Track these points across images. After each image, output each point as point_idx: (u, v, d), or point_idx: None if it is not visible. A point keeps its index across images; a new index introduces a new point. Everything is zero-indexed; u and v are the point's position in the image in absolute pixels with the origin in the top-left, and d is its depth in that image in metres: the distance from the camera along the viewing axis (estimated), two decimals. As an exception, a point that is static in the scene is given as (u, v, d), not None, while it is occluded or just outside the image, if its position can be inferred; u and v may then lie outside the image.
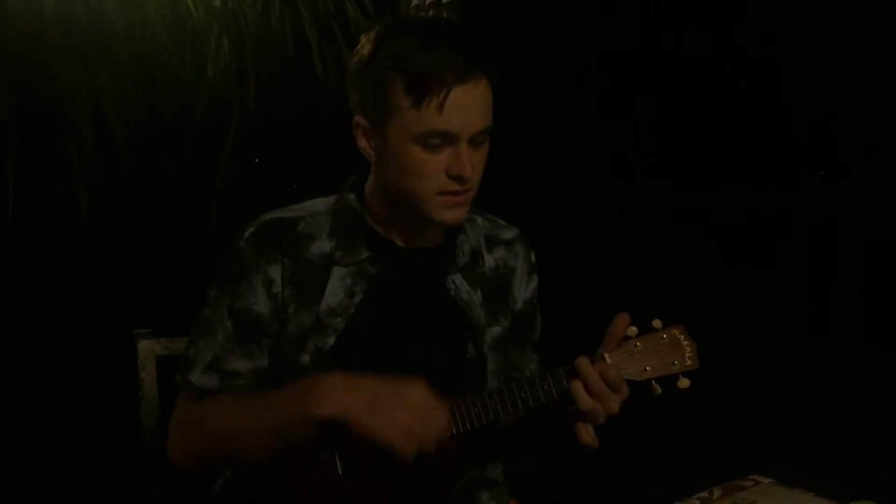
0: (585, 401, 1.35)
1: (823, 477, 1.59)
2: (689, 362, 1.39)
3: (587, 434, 1.38)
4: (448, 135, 1.35)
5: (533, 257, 1.64)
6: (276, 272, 1.43)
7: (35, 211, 2.66)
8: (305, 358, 1.44)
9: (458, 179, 1.37)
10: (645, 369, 1.38)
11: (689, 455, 3.13)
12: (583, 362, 1.36)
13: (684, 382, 1.39)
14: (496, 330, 1.56)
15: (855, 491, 1.48)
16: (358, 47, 1.41)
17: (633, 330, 1.39)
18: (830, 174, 4.15)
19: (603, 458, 3.00)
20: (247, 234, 1.46)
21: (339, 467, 1.40)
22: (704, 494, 1.49)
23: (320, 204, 1.51)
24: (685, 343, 1.40)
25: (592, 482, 3.05)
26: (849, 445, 3.14)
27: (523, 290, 1.62)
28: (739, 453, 2.77)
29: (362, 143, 1.43)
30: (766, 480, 1.55)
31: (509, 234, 1.62)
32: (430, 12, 2.98)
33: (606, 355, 1.37)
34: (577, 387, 1.35)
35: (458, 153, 1.36)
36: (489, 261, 1.57)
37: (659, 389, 1.39)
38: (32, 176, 2.64)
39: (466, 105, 1.34)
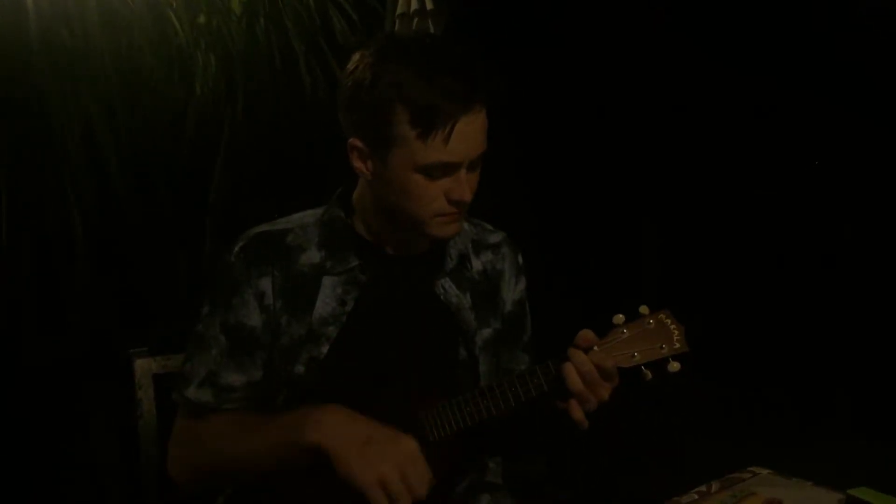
0: (576, 382, 1.35)
1: (823, 466, 1.59)
2: (678, 345, 1.39)
3: (578, 411, 1.37)
4: (451, 165, 1.36)
5: (520, 259, 1.65)
6: (267, 285, 1.44)
7: (29, 232, 2.66)
8: (300, 368, 1.44)
9: (458, 204, 1.39)
10: (633, 355, 1.38)
11: (687, 450, 3.13)
12: (577, 353, 1.37)
13: (674, 366, 1.38)
14: (487, 332, 1.57)
15: (854, 479, 1.48)
16: (351, 68, 1.40)
17: (620, 318, 1.39)
18: (827, 165, 4.17)
19: (600, 454, 3.00)
20: (236, 248, 1.47)
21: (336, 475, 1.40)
22: (703, 488, 1.49)
23: (308, 216, 1.52)
24: (672, 327, 1.40)
25: (590, 479, 3.04)
26: (847, 434, 3.14)
27: (511, 291, 1.63)
28: (737, 446, 2.76)
29: (357, 164, 1.43)
30: (765, 471, 1.55)
31: (495, 237, 1.64)
32: (415, 20, 2.99)
33: (595, 345, 1.38)
34: (569, 369, 1.36)
35: (459, 179, 1.38)
36: (477, 264, 1.59)
37: (649, 375, 1.38)
38: (25, 198, 2.65)
39: (469, 134, 1.35)
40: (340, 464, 1.28)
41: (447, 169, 1.37)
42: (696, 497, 1.46)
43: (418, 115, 1.33)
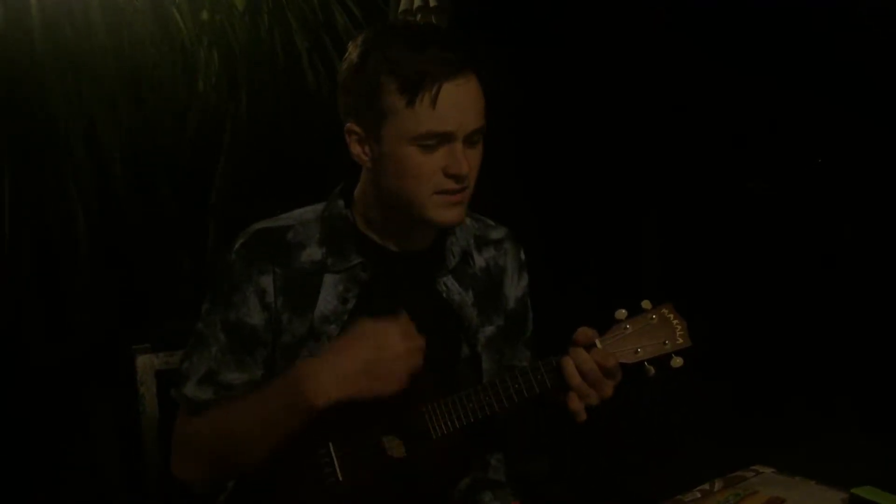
0: (574, 377, 1.35)
1: (826, 465, 1.58)
2: (681, 340, 1.38)
3: (575, 402, 1.36)
4: (443, 135, 1.35)
5: (522, 255, 1.64)
6: (267, 282, 1.44)
7: (31, 230, 2.66)
8: None
9: (455, 178, 1.37)
10: (636, 351, 1.37)
11: (690, 448, 3.12)
12: (579, 351, 1.36)
13: (678, 361, 1.37)
14: (489, 329, 1.56)
15: (858, 478, 1.47)
16: (346, 54, 1.42)
17: (623, 313, 1.39)
18: (828, 163, 4.16)
19: (603, 452, 3.00)
20: (237, 245, 1.46)
21: (338, 473, 1.40)
22: (706, 486, 1.49)
23: (309, 212, 1.51)
24: (675, 321, 1.39)
25: (592, 477, 3.04)
26: (851, 433, 3.14)
27: (514, 288, 1.62)
28: (740, 444, 2.76)
29: (356, 149, 1.43)
30: (768, 470, 1.55)
31: (498, 233, 1.63)
32: (418, 17, 2.98)
33: (598, 340, 1.37)
34: (567, 363, 1.36)
35: (454, 152, 1.36)
36: (479, 261, 1.58)
37: (652, 370, 1.38)
38: (28, 196, 2.65)
39: (459, 101, 1.35)
40: (363, 397, 1.32)
41: (441, 139, 1.36)
42: (699, 495, 1.46)
43: (404, 82, 1.33)
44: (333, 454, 1.40)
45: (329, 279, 1.45)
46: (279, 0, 3.05)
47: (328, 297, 1.45)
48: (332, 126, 1.52)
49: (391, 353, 1.32)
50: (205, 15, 2.92)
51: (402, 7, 3.04)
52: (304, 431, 1.36)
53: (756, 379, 3.62)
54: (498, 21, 3.63)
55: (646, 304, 1.40)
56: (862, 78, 3.75)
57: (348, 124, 1.42)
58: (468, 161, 1.38)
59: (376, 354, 1.32)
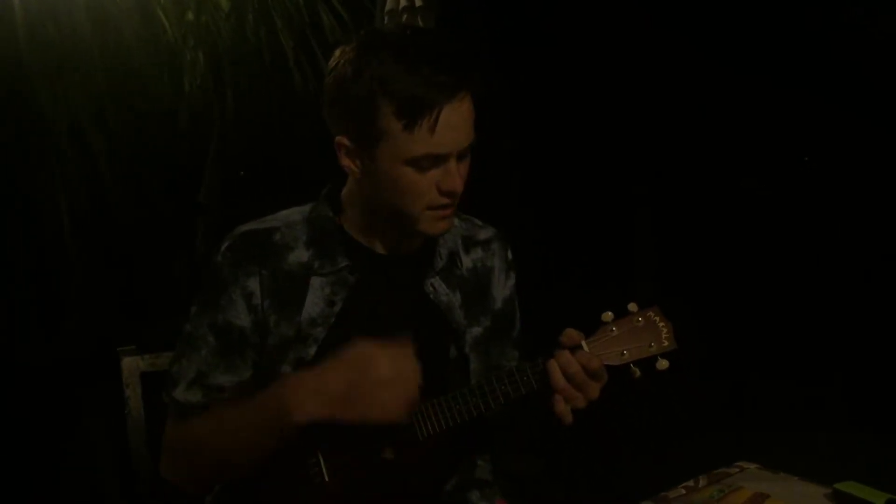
0: (559, 380, 1.36)
1: (810, 461, 1.60)
2: (667, 343, 1.39)
3: (561, 405, 1.37)
4: (440, 156, 1.35)
5: (510, 255, 1.64)
6: (254, 284, 1.43)
7: (19, 231, 2.66)
8: (287, 368, 1.43)
9: (448, 194, 1.38)
10: (622, 353, 1.38)
11: (675, 445, 3.13)
12: (563, 353, 1.37)
13: (663, 364, 1.38)
14: (477, 330, 1.57)
15: (841, 473, 1.48)
16: (334, 63, 1.39)
17: (609, 315, 1.39)
18: (818, 161, 4.18)
19: (588, 450, 3.01)
20: (223, 248, 1.46)
21: (325, 474, 1.40)
22: (690, 483, 1.50)
23: (295, 213, 1.50)
24: (661, 324, 1.40)
25: (577, 474, 3.05)
26: (834, 429, 3.15)
27: (502, 288, 1.62)
28: (725, 441, 2.78)
29: (346, 161, 1.41)
30: (752, 466, 1.56)
31: (485, 233, 1.63)
32: (405, 16, 2.98)
33: (584, 342, 1.38)
34: (553, 366, 1.36)
35: (449, 170, 1.37)
36: (467, 262, 1.58)
37: (638, 372, 1.39)
38: (16, 196, 2.65)
39: (455, 123, 1.34)
40: (345, 420, 1.29)
41: (436, 160, 1.36)
42: (684, 492, 1.47)
43: (402, 106, 1.31)
44: (321, 455, 1.41)
45: (316, 282, 1.45)
46: (264, 0, 3.05)
47: (315, 299, 1.44)
48: (318, 126, 1.52)
49: (375, 379, 1.28)
50: (190, 16, 2.91)
51: (387, 7, 3.04)
52: (287, 444, 1.35)
53: (740, 376, 3.64)
54: (483, 19, 3.63)
55: (632, 306, 1.41)
56: (858, 77, 3.77)
57: (339, 138, 1.40)
58: (461, 175, 1.38)
59: (360, 378, 1.29)
